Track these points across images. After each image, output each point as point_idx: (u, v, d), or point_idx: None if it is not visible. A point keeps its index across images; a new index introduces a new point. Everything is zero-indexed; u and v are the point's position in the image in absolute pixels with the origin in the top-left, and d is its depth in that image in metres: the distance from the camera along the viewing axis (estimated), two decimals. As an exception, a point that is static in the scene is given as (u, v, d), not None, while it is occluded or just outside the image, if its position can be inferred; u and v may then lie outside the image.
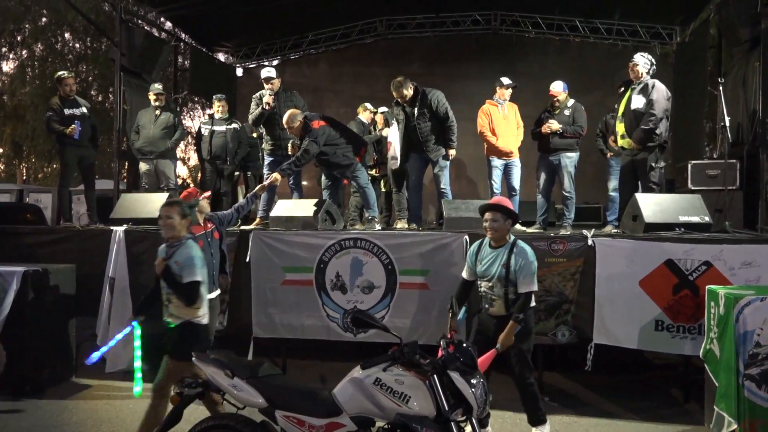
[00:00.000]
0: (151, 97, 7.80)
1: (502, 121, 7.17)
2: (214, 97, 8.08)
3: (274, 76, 6.95)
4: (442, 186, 6.70)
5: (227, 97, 8.43)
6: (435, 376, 2.82)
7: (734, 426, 4.18)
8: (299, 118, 6.26)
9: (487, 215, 4.30)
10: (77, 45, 20.03)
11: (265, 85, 6.93)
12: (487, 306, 4.35)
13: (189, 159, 22.66)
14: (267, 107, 6.80)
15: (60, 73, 7.49)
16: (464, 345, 2.96)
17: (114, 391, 5.54)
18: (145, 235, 6.15)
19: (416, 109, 6.53)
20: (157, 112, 7.72)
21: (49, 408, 5.10)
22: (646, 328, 5.06)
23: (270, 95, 6.83)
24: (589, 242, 5.22)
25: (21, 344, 5.43)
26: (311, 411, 2.97)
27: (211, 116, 8.13)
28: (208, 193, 5.56)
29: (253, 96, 7.07)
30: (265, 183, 6.08)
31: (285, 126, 6.38)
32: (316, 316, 5.72)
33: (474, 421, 2.86)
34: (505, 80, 7.29)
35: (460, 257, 5.42)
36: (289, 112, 6.36)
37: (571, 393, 5.57)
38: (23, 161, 22.77)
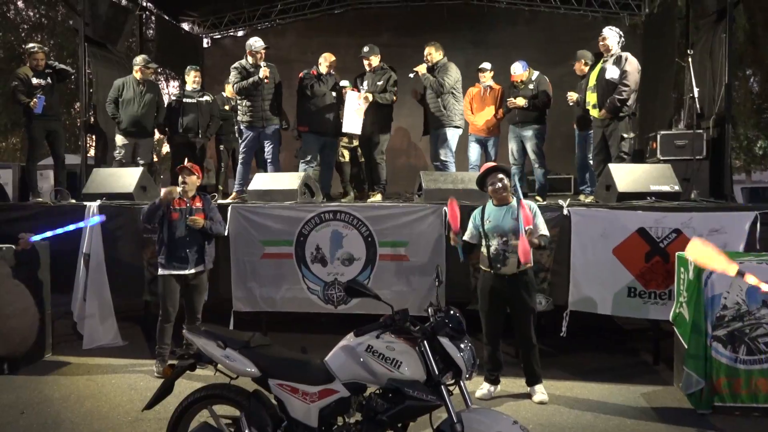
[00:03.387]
0: (147, 71, 7.53)
1: (480, 102, 7.77)
2: (189, 67, 7.91)
3: (265, 45, 6.98)
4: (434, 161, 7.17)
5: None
6: (425, 341, 2.93)
7: (702, 384, 4.45)
8: None
9: (492, 178, 4.62)
10: (31, 13, 19.27)
11: (256, 55, 6.88)
12: (498, 266, 4.57)
13: (153, 133, 22.10)
14: (266, 81, 6.83)
15: (30, 46, 7.31)
16: (452, 311, 3.07)
17: (93, 368, 5.54)
18: (119, 211, 6.11)
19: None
20: (141, 86, 7.48)
21: (28, 385, 5.09)
22: (620, 294, 5.29)
23: (265, 66, 6.85)
24: (565, 212, 5.39)
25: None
26: (304, 378, 3.06)
27: (182, 88, 8.01)
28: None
29: (233, 66, 6.98)
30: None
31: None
32: (296, 289, 5.80)
33: (463, 383, 2.99)
34: (481, 65, 7.87)
35: (439, 229, 5.56)
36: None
37: (545, 358, 5.78)
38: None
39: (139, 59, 7.60)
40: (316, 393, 3.02)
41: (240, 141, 7.35)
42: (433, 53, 6.99)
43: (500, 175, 4.63)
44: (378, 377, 2.94)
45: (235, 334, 3.34)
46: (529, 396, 4.76)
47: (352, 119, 6.76)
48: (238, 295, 5.85)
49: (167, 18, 11.09)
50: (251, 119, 6.94)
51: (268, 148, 7.06)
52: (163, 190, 5.19)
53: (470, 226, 4.79)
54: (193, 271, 5.24)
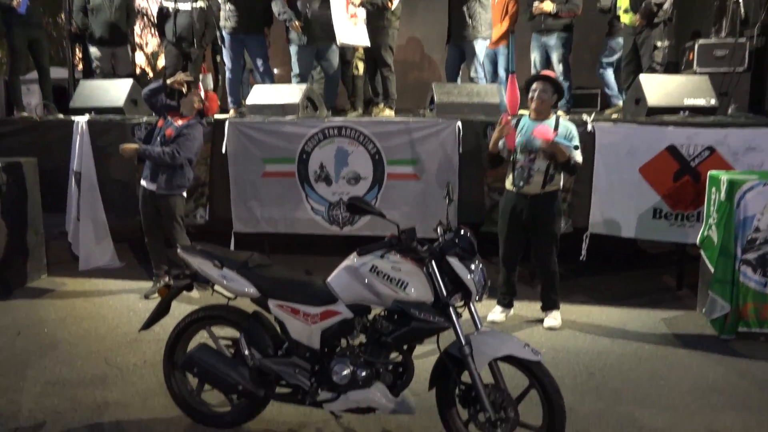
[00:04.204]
0: None
1: (491, 9, 7.28)
2: None
3: None
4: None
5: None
6: (433, 261, 2.89)
7: (727, 309, 4.43)
8: None
9: (536, 85, 4.49)
10: None
11: None
12: (521, 183, 4.50)
13: (147, 44, 21.68)
14: None
15: None
16: (462, 231, 3.01)
17: (90, 289, 5.63)
18: (109, 126, 6.03)
19: None
20: None
21: (24, 306, 5.19)
22: (644, 216, 5.21)
23: None
24: (589, 128, 5.23)
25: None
26: (305, 299, 3.05)
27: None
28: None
29: None
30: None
31: None
32: (299, 209, 5.77)
33: (473, 306, 2.97)
34: None
35: (451, 145, 5.44)
36: None
37: (564, 282, 5.78)
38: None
39: None
40: (317, 314, 3.02)
41: (224, 49, 7.00)
42: None
43: (543, 86, 4.47)
44: (383, 298, 2.92)
45: (233, 254, 3.32)
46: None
47: (345, 27, 6.29)
48: (238, 215, 5.84)
49: None
50: (236, 25, 6.57)
51: (258, 62, 6.81)
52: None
53: None
54: (152, 187, 5.13)
